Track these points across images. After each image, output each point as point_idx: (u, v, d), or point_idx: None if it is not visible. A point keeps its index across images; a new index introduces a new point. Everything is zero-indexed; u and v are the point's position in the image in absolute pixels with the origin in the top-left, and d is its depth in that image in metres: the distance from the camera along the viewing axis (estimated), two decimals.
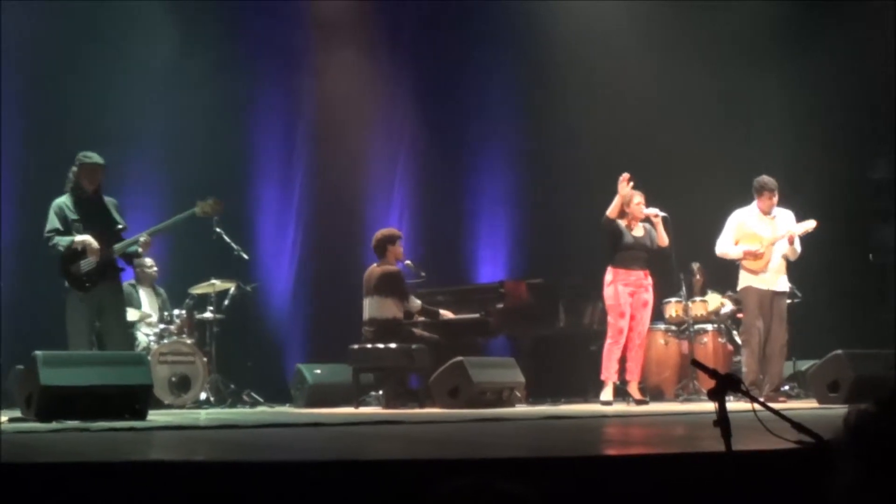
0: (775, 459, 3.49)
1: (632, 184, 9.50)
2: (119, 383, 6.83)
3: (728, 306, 11.07)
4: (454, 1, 12.88)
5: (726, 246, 9.85)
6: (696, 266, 11.34)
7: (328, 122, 12.64)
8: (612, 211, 9.56)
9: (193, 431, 6.05)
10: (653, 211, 9.69)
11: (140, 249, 8.35)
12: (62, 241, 7.98)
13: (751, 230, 9.74)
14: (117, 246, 8.18)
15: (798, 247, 9.67)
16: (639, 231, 9.73)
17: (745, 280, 9.77)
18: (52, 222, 8.07)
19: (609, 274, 9.65)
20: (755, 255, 9.62)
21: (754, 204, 9.78)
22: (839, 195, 12.04)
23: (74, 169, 8.14)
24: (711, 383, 3.08)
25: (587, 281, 10.00)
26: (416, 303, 10.13)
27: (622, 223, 9.65)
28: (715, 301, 11.17)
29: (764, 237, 9.64)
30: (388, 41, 12.99)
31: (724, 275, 10.58)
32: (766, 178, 9.71)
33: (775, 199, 9.68)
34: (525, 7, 12.76)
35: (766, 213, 9.72)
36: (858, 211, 12.22)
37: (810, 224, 9.60)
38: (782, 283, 9.74)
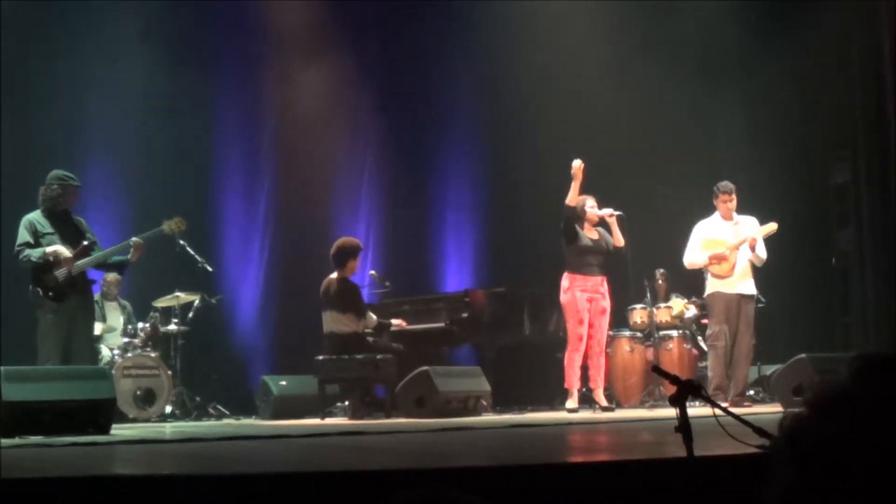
0: (737, 464, 3.53)
1: (580, 163, 9.50)
2: (82, 398, 6.81)
3: (692, 311, 11.14)
4: (417, 11, 12.89)
5: (693, 256, 9.92)
6: (659, 272, 11.42)
7: (293, 131, 12.64)
8: (570, 198, 9.55)
9: (158, 445, 6.03)
10: (607, 211, 9.72)
11: (131, 258, 8.39)
12: (34, 253, 8.08)
13: (716, 237, 9.81)
14: (96, 255, 8.23)
15: (762, 252, 9.75)
16: (594, 234, 9.77)
17: (711, 286, 9.84)
18: (23, 236, 8.19)
19: (565, 280, 9.67)
20: (720, 258, 9.70)
21: (716, 213, 9.87)
22: (801, 200, 12.15)
23: (54, 187, 8.25)
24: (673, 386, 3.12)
25: (551, 289, 10.04)
26: (372, 318, 10.11)
27: (577, 227, 9.68)
28: (678, 305, 11.23)
29: (728, 243, 9.73)
30: (351, 50, 13.00)
31: (687, 281, 10.65)
32: (722, 182, 9.82)
33: (732, 203, 9.77)
34: (490, 16, 12.81)
35: (728, 218, 9.81)
36: (820, 216, 12.34)
37: (771, 226, 9.69)
38: (749, 287, 9.82)
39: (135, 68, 11.47)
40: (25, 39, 10.91)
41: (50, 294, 8.02)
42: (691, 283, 10.34)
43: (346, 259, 9.96)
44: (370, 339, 10.07)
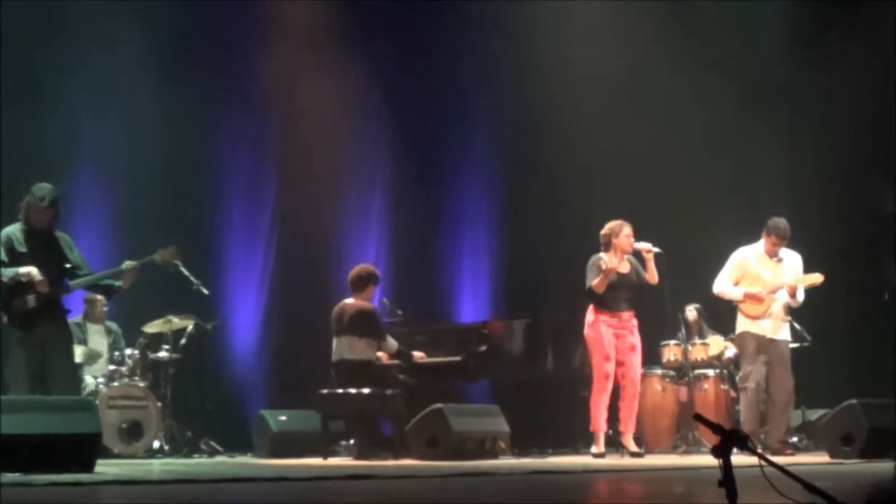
0: None
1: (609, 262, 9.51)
2: (64, 431, 6.73)
3: (731, 350, 11.03)
4: (435, 17, 12.90)
5: (724, 285, 9.85)
6: (691, 306, 11.32)
7: (300, 146, 12.63)
8: (596, 285, 9.51)
9: (146, 486, 5.98)
10: (644, 246, 9.60)
11: (123, 285, 8.28)
12: (6, 273, 7.95)
13: (753, 271, 9.74)
14: (83, 279, 8.16)
15: (801, 296, 9.67)
16: (624, 266, 9.68)
17: (742, 324, 9.78)
18: None
19: (590, 314, 9.61)
20: (756, 299, 9.63)
21: (761, 243, 9.78)
22: (850, 230, 12.11)
23: (23, 202, 8.14)
24: (714, 435, 3.08)
25: (576, 320, 9.99)
26: (393, 344, 10.07)
27: (606, 257, 9.60)
28: (718, 345, 11.14)
29: (766, 280, 9.65)
30: (362, 59, 13.01)
31: (725, 316, 10.58)
32: (779, 223, 9.66)
33: (781, 246, 9.70)
34: (514, 21, 12.82)
35: (771, 256, 9.74)
36: (871, 247, 12.28)
37: (816, 278, 9.57)
38: (783, 332, 9.75)
39: (130, 76, 11.47)
40: (19, 50, 10.92)
41: (19, 320, 7.92)
42: (730, 318, 10.24)
43: (366, 284, 10.00)
44: (394, 362, 10.08)
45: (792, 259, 9.79)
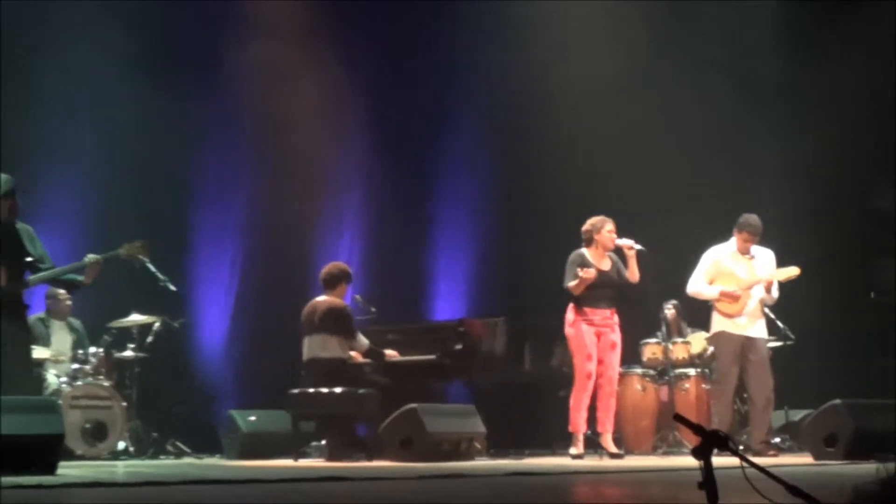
0: None
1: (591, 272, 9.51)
2: (25, 433, 6.68)
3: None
4: (416, 12, 12.89)
5: (699, 284, 9.90)
6: (669, 303, 11.33)
7: (275, 144, 12.59)
8: (573, 287, 9.52)
9: (110, 489, 5.96)
10: (626, 242, 9.63)
11: (85, 279, 8.20)
12: None
13: (727, 269, 9.79)
14: (44, 274, 8.08)
15: (775, 292, 9.73)
16: (605, 264, 9.71)
17: (718, 324, 9.81)
18: None
19: (570, 312, 9.64)
20: (732, 297, 9.66)
21: (732, 240, 9.84)
22: (836, 227, 12.16)
23: None
24: (695, 436, 3.10)
25: (555, 318, 10.00)
26: (364, 342, 10.08)
27: (588, 253, 9.63)
28: (699, 343, 11.16)
29: (741, 278, 9.69)
30: (340, 55, 12.99)
31: (704, 312, 10.62)
32: (751, 219, 9.73)
33: (753, 243, 9.74)
34: (492, 32, 12.88)
35: (744, 253, 9.78)
36: (858, 245, 12.34)
37: (793, 271, 9.63)
38: (759, 329, 9.79)
39: (100, 70, 11.43)
40: None
41: None
42: (705, 314, 10.28)
43: (338, 282, 10.04)
44: (366, 361, 10.09)
45: (764, 255, 9.85)
